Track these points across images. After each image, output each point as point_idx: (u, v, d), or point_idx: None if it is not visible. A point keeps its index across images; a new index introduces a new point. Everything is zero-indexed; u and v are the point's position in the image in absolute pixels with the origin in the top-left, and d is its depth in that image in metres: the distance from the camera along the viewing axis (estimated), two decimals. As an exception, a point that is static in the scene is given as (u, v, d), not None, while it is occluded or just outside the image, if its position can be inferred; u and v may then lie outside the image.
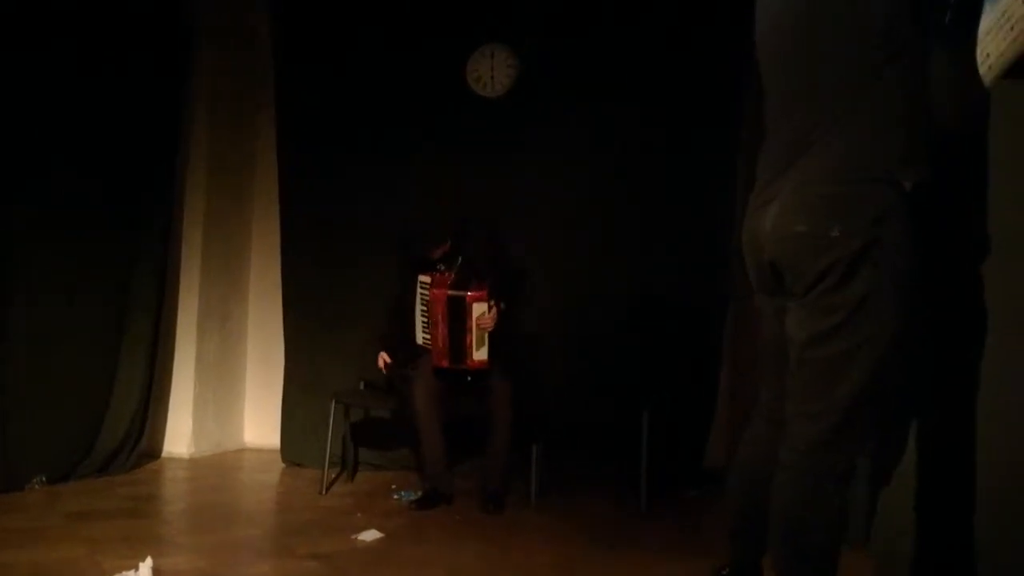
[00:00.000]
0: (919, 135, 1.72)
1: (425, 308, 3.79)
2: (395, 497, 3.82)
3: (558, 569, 2.85)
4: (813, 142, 1.70)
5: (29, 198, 3.80)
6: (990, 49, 1.87)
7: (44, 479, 3.81)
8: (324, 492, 3.99)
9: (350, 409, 4.42)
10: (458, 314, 3.63)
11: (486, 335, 3.65)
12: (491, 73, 4.69)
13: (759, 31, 1.98)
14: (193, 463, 4.67)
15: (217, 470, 4.53)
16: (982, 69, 1.90)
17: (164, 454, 4.78)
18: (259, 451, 5.11)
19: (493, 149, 4.69)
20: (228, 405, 5.13)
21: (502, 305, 3.76)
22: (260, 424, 5.20)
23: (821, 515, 1.64)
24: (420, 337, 3.92)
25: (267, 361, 5.17)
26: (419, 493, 3.79)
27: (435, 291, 3.65)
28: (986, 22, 1.89)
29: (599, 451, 4.39)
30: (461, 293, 3.65)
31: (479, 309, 3.62)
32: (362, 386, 4.45)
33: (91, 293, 4.16)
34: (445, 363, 3.70)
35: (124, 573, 2.48)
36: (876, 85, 1.68)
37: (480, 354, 3.64)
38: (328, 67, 4.86)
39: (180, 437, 4.81)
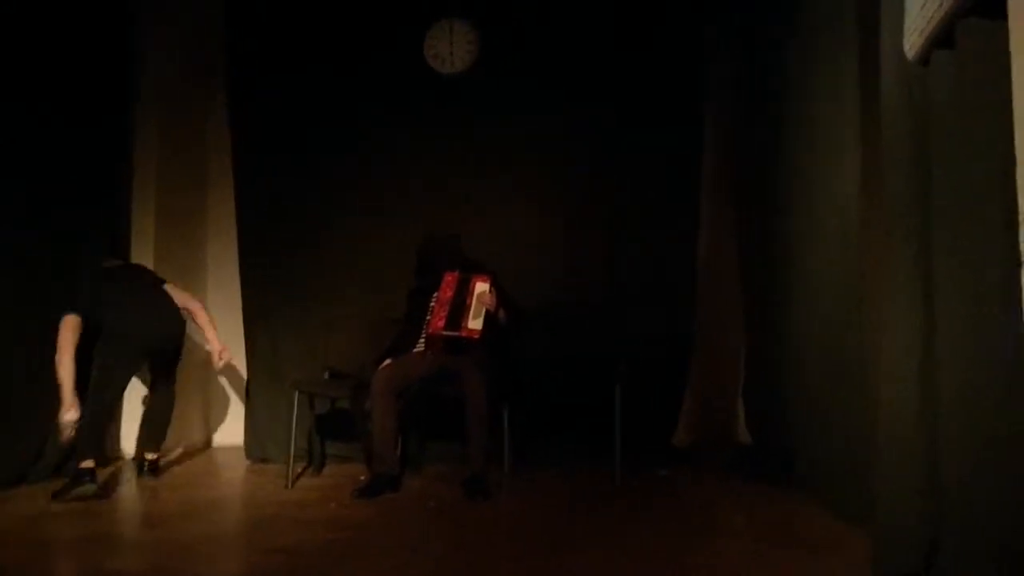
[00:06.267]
0: None
1: (433, 304, 3.97)
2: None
3: (535, 551, 2.76)
4: None
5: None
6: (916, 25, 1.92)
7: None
8: (290, 486, 3.85)
9: (315, 400, 4.28)
10: (463, 288, 3.90)
11: (483, 311, 3.83)
12: (450, 49, 4.58)
13: None
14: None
15: (177, 470, 4.36)
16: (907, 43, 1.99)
17: (122, 455, 4.61)
18: (223, 449, 4.96)
19: (454, 127, 4.59)
20: (188, 402, 4.94)
21: (502, 314, 3.94)
22: (223, 422, 5.04)
23: None
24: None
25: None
26: (363, 479, 3.73)
27: (448, 276, 3.96)
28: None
29: (570, 430, 4.34)
30: (468, 275, 3.95)
31: (481, 287, 3.87)
32: (327, 375, 4.32)
33: (37, 294, 3.99)
34: (441, 324, 3.83)
35: None
36: None
37: (475, 323, 3.81)
38: (281, 46, 4.71)
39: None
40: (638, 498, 3.56)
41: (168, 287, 4.17)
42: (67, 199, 4.16)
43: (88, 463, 3.62)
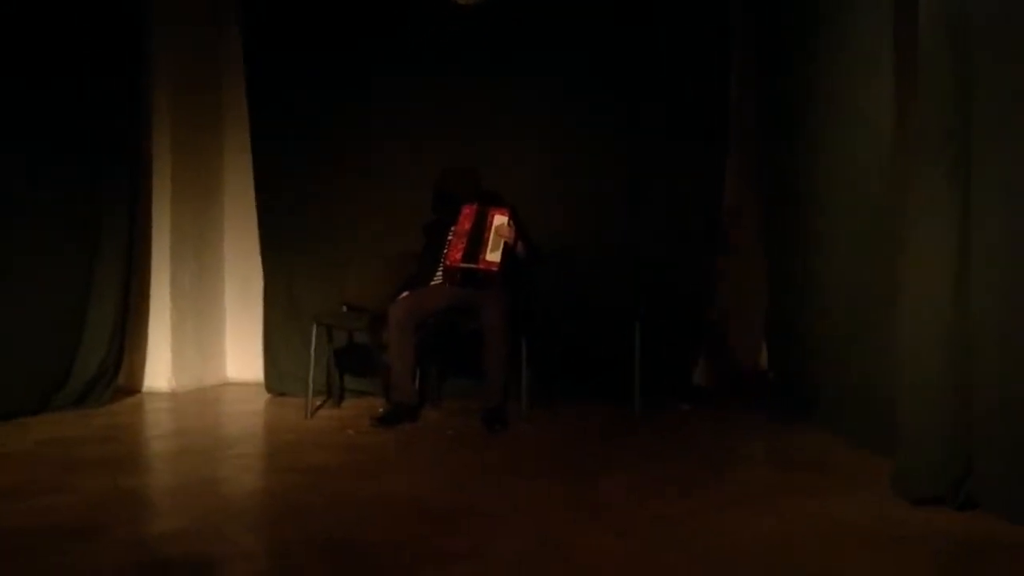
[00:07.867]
0: None
1: (451, 237, 3.90)
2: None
3: (555, 475, 2.74)
4: None
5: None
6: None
7: None
8: (310, 416, 3.87)
9: (333, 334, 4.27)
10: (481, 220, 3.84)
11: (502, 243, 3.77)
12: (467, -23, 4.44)
13: None
14: (174, 397, 4.53)
15: (199, 402, 4.39)
16: None
17: (144, 389, 4.65)
18: (243, 385, 4.98)
19: (472, 58, 4.49)
20: (208, 337, 4.96)
21: (520, 247, 3.87)
22: (242, 358, 5.04)
23: None
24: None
25: (247, 292, 5.00)
26: (382, 410, 3.70)
27: (466, 208, 3.89)
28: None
29: (589, 366, 4.32)
30: (486, 207, 3.89)
31: (500, 220, 3.82)
32: (344, 309, 4.30)
33: (60, 224, 4.00)
34: (459, 256, 3.78)
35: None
36: None
37: (493, 256, 3.77)
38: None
39: (160, 371, 4.66)
40: (659, 431, 3.54)
41: None
42: (89, 136, 4.13)
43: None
